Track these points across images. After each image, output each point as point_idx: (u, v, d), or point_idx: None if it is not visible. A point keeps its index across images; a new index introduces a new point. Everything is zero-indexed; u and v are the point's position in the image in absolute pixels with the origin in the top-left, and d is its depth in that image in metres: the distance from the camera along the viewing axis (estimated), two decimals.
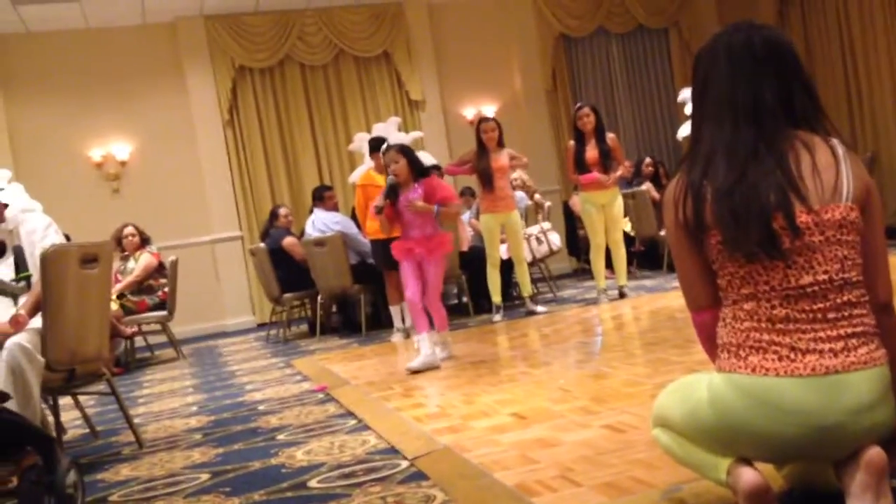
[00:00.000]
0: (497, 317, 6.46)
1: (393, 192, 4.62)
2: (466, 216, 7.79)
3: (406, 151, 4.65)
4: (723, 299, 1.84)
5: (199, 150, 9.42)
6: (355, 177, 7.55)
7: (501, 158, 6.42)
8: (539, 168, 10.25)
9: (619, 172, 6.59)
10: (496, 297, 6.53)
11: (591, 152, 6.50)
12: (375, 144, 6.49)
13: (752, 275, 1.78)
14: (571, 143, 6.64)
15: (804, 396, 1.70)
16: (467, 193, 8.48)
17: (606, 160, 6.50)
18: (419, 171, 4.68)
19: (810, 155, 1.76)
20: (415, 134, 7.65)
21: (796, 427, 1.71)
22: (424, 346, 4.62)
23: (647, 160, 9.14)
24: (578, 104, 6.74)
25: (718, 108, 1.80)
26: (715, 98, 1.81)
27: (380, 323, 7.21)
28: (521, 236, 6.62)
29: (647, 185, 8.59)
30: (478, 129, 6.45)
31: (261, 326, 9.21)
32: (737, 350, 1.80)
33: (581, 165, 6.52)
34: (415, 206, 4.65)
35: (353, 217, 7.15)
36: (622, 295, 6.72)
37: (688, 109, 7.88)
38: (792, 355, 1.73)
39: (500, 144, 6.43)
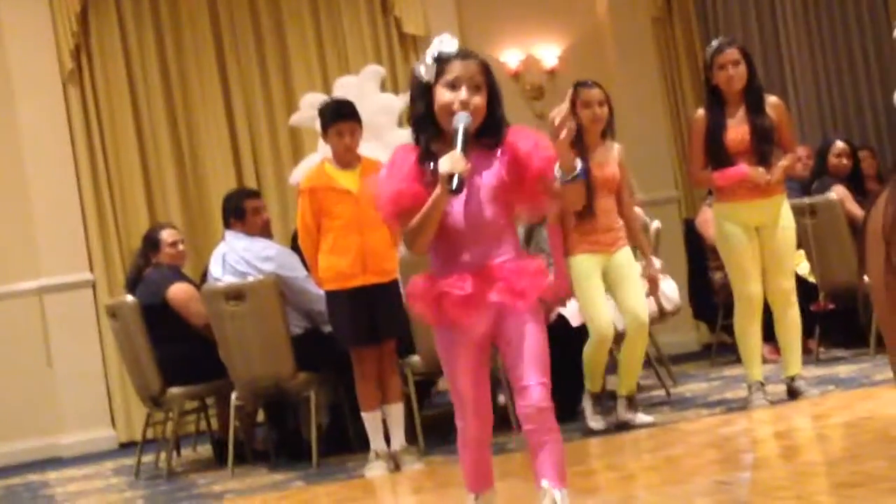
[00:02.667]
0: (598, 422, 6.61)
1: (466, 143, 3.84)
2: None
3: (490, 71, 4.03)
4: None
5: (21, 125, 9.48)
6: (299, 175, 7.53)
7: (609, 161, 6.51)
8: (641, 158, 10.22)
9: (785, 164, 6.61)
10: (594, 383, 6.66)
11: (738, 129, 6.55)
12: (337, 114, 6.51)
13: None
14: (701, 112, 6.68)
15: None
16: None
17: (764, 144, 6.52)
18: (498, 119, 3.98)
19: None
20: None
21: None
22: None
23: (839, 146, 9.09)
24: (716, 43, 6.78)
25: None
26: None
27: (344, 443, 7.20)
28: (636, 284, 6.65)
29: (839, 191, 8.56)
30: (573, 105, 6.50)
31: (126, 447, 9.19)
32: None
33: (718, 153, 6.56)
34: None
35: (296, 247, 7.15)
36: (794, 393, 6.72)
37: None
38: None
39: (607, 135, 6.55)
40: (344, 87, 7.88)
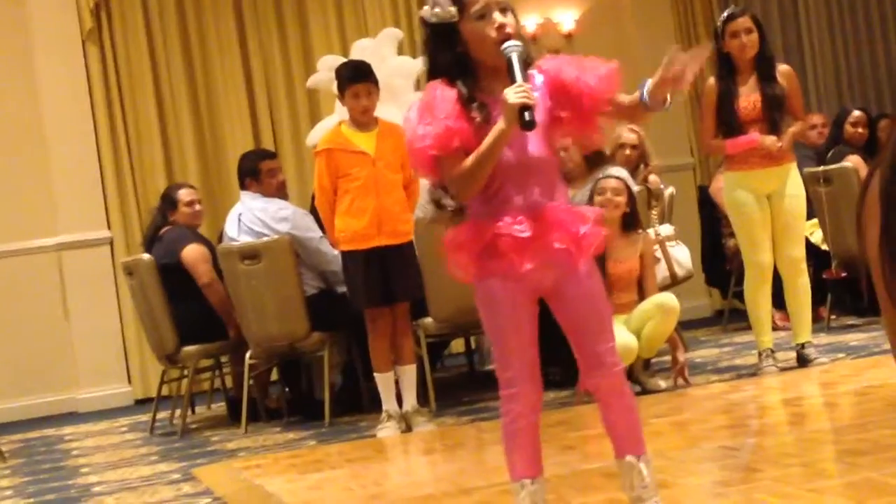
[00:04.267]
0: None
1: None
2: None
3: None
4: None
5: (41, 83, 9.52)
6: (316, 137, 7.54)
7: (629, 255, 6.55)
8: (656, 125, 10.19)
9: (794, 130, 6.62)
10: None
11: (749, 98, 6.55)
12: (353, 75, 6.51)
13: None
14: (711, 81, 6.67)
15: None
16: None
17: (775, 112, 6.52)
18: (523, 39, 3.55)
19: None
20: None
21: None
22: None
23: (856, 114, 9.09)
24: (728, 12, 6.78)
25: None
26: None
27: (357, 402, 7.25)
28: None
29: (854, 160, 8.53)
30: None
31: (141, 404, 9.27)
32: None
33: (729, 121, 6.55)
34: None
35: (313, 209, 7.18)
36: (804, 361, 6.73)
37: None
38: None
39: (632, 225, 6.55)
40: (361, 50, 7.86)
